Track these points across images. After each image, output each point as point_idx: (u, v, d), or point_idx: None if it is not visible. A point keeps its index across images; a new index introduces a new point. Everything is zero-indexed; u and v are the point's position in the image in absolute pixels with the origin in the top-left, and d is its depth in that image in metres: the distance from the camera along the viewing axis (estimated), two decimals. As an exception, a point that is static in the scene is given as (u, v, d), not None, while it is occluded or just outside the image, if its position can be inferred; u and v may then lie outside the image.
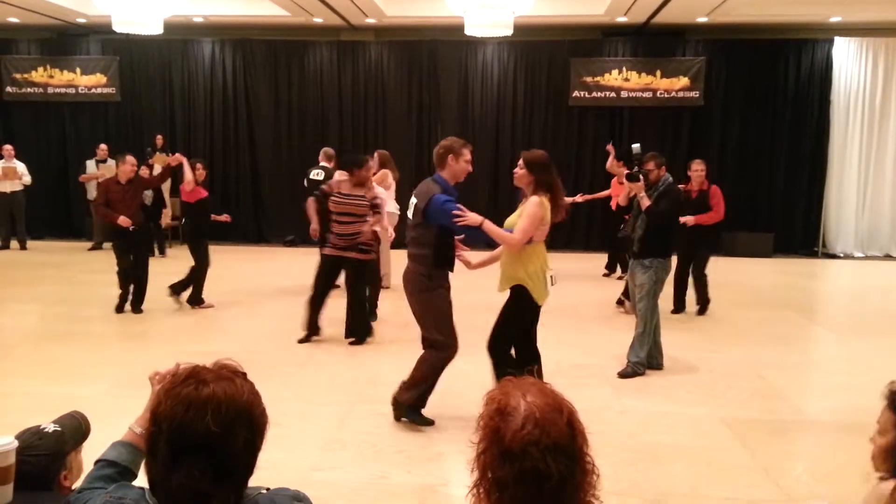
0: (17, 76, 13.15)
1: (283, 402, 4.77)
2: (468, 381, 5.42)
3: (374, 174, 7.78)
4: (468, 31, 9.53)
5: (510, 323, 4.47)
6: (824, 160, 12.32)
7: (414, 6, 11.66)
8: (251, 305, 7.89)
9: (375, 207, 6.40)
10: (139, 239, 7.44)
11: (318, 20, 12.16)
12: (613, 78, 12.46)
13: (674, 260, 5.68)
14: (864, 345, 6.78)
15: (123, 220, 7.10)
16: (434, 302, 4.43)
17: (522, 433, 1.27)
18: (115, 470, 1.65)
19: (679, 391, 5.25)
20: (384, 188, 7.80)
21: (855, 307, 7.68)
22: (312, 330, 6.44)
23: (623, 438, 4.28)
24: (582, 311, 7.79)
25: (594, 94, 12.53)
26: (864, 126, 12.36)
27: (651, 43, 12.47)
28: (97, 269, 9.41)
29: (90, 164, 11.95)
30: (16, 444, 1.77)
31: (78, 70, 13.12)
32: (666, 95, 12.42)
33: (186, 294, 7.60)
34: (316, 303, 6.45)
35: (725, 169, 12.54)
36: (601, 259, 10.47)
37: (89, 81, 13.13)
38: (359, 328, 6.44)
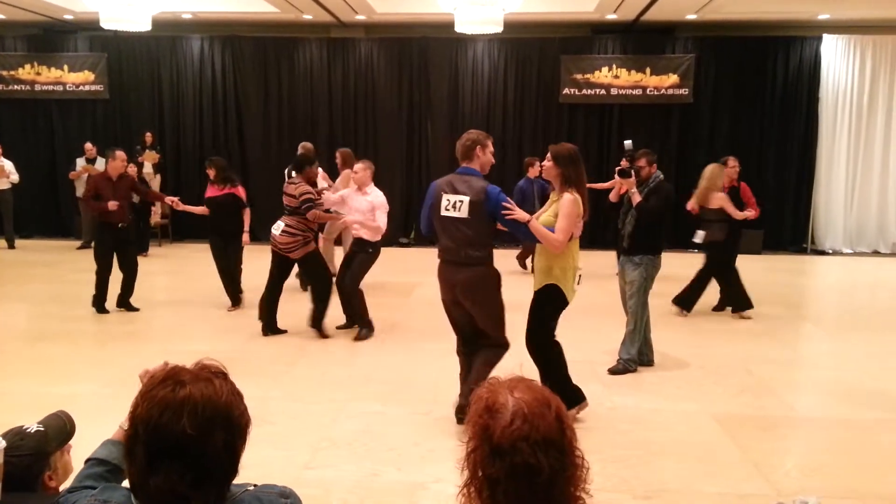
0: (4, 73, 13.03)
1: (274, 400, 4.77)
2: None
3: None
4: (458, 28, 9.52)
5: (544, 321, 4.49)
6: (813, 157, 12.39)
7: (404, 3, 11.63)
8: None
9: (305, 204, 6.40)
10: (125, 237, 7.38)
11: (307, 17, 12.12)
12: (603, 75, 12.48)
13: (664, 257, 5.61)
14: (852, 340, 6.83)
15: (112, 204, 7.07)
16: (500, 301, 4.40)
17: (511, 429, 1.27)
18: (105, 468, 1.64)
19: (669, 387, 5.27)
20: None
21: (844, 303, 7.73)
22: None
23: (614, 435, 4.30)
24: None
25: (584, 91, 12.55)
26: (851, 123, 12.44)
27: (641, 40, 12.50)
28: (86, 267, 9.31)
29: (80, 162, 11.87)
30: (3, 444, 1.75)
31: (65, 67, 13.01)
32: (656, 93, 12.45)
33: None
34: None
35: (715, 166, 12.60)
36: (595, 256, 10.48)
37: (77, 79, 13.03)
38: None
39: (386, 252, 5.35)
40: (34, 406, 3.74)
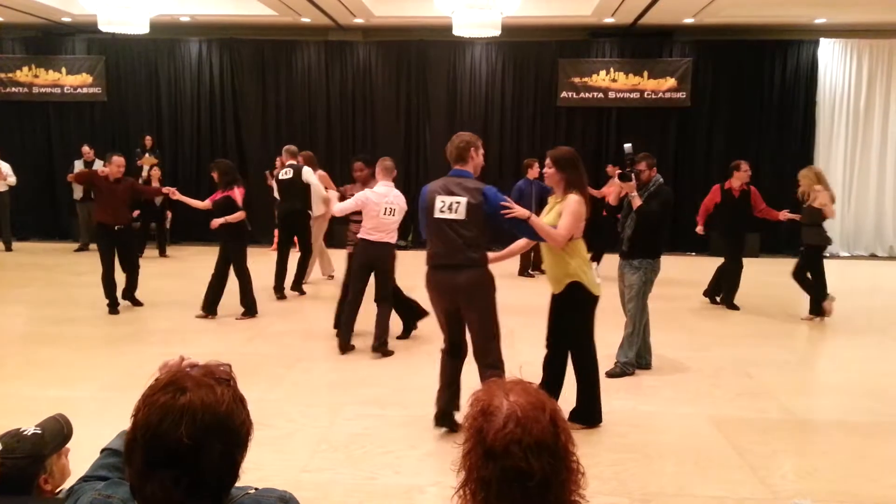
0: (2, 76, 13.04)
1: (271, 403, 4.76)
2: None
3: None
4: (456, 32, 9.54)
5: (577, 322, 4.41)
6: (810, 161, 12.38)
7: (402, 6, 11.66)
8: (239, 306, 7.85)
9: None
10: (124, 238, 7.38)
11: (305, 20, 12.13)
12: (601, 79, 12.52)
13: (663, 260, 5.59)
14: (849, 343, 6.84)
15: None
16: (495, 307, 4.26)
17: (504, 432, 1.28)
18: (119, 459, 1.63)
19: (667, 390, 5.28)
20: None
21: (840, 306, 7.74)
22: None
23: (611, 438, 4.30)
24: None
25: (582, 94, 12.58)
26: (848, 126, 12.49)
27: (638, 44, 12.54)
28: (84, 270, 9.33)
29: (78, 165, 11.86)
30: (-1, 445, 1.76)
31: (63, 69, 13.03)
32: (653, 96, 12.49)
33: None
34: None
35: (711, 169, 12.62)
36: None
37: (75, 81, 13.04)
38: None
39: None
40: (31, 409, 3.74)
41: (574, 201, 4.25)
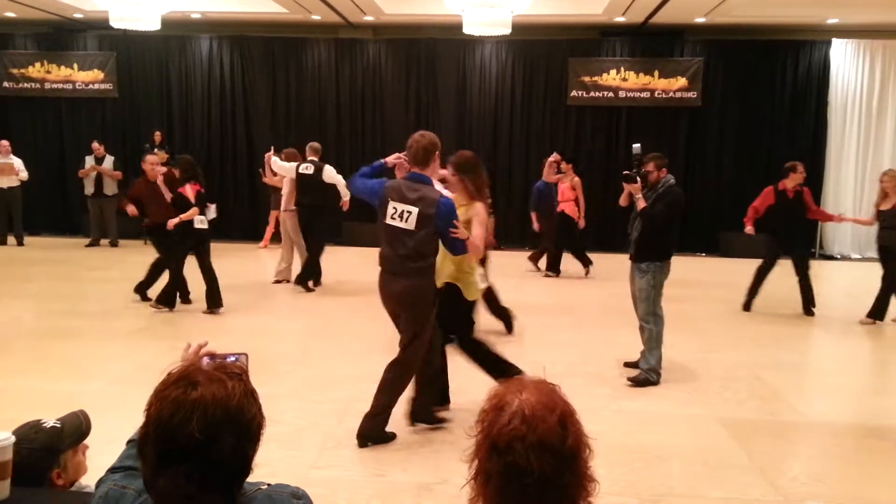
0: (14, 71, 13.11)
1: (280, 399, 4.77)
2: (466, 379, 5.43)
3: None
4: (466, 30, 9.53)
5: (450, 318, 4.48)
6: (822, 161, 12.36)
7: (412, 4, 11.65)
8: (248, 302, 7.88)
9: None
10: (174, 239, 7.32)
11: (316, 17, 12.15)
12: (611, 78, 12.48)
13: (674, 262, 5.42)
14: (861, 346, 6.80)
15: (131, 210, 7.44)
16: (430, 318, 4.15)
17: (508, 428, 1.28)
18: None
19: (676, 391, 5.25)
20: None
21: (852, 308, 7.69)
22: None
23: (619, 438, 4.29)
24: (579, 311, 7.81)
25: (592, 93, 12.54)
26: (860, 127, 12.40)
27: (649, 43, 12.49)
28: (94, 265, 9.40)
29: (88, 160, 11.93)
30: (13, 439, 1.77)
31: (75, 65, 13.09)
32: (664, 96, 12.44)
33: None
34: None
35: (722, 169, 12.59)
36: (604, 259, 10.46)
37: (86, 77, 13.10)
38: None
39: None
40: (41, 403, 3.76)
41: (481, 209, 4.30)
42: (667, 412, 4.84)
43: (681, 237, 10.87)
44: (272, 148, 9.08)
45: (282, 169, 8.65)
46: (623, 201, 5.63)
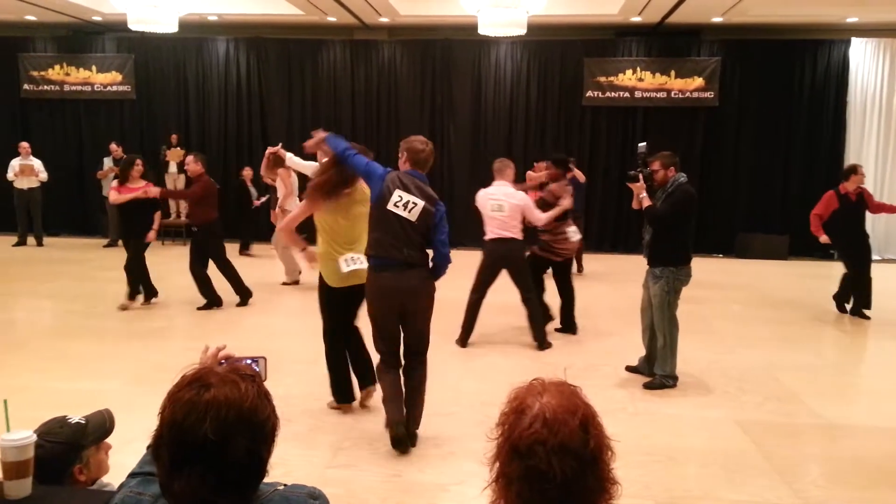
0: (35, 74, 13.26)
1: (295, 399, 4.79)
2: (483, 381, 5.44)
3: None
4: (482, 31, 9.52)
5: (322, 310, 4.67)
6: (840, 162, 12.19)
7: (427, 5, 11.66)
8: (263, 302, 7.92)
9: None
10: (198, 237, 7.57)
11: (331, 19, 12.18)
12: (627, 78, 12.42)
13: (693, 266, 5.26)
14: (880, 348, 6.72)
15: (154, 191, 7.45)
16: (431, 312, 4.26)
17: (529, 431, 1.27)
18: None
19: (693, 393, 5.22)
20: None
21: (872, 310, 7.61)
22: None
23: (636, 440, 4.26)
24: (593, 312, 7.77)
25: (608, 94, 12.49)
26: (880, 127, 12.26)
27: (665, 43, 12.42)
28: (112, 265, 9.44)
29: (107, 162, 12.04)
30: (34, 438, 1.79)
31: (94, 68, 13.22)
32: (680, 96, 12.36)
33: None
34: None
35: (739, 170, 12.49)
36: (619, 260, 10.42)
37: (105, 79, 13.23)
38: None
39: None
40: (61, 402, 3.80)
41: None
42: (683, 414, 4.81)
43: (697, 238, 10.86)
44: (280, 144, 9.09)
45: (301, 166, 8.67)
46: (634, 204, 5.39)
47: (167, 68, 13.20)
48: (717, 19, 11.50)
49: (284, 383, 5.11)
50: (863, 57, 12.16)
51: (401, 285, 4.02)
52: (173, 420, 1.27)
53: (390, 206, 4.01)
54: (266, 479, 1.39)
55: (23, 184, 11.71)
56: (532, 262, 6.65)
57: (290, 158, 8.74)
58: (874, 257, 12.05)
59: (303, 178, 9.08)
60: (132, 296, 7.45)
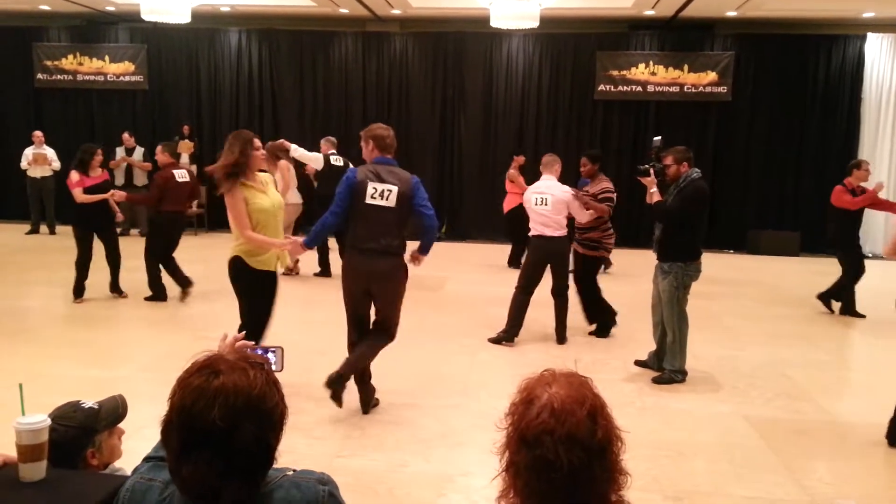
0: (48, 63, 13.33)
1: (304, 388, 4.81)
2: (491, 373, 5.45)
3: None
4: (494, 23, 9.50)
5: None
6: (853, 158, 12.11)
7: (440, -3, 11.64)
8: (280, 291, 7.93)
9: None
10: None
11: (343, 11, 12.17)
12: (640, 72, 12.35)
13: (704, 261, 5.25)
14: (890, 346, 6.68)
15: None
16: (403, 293, 4.52)
17: (537, 421, 1.28)
18: None
19: (702, 388, 5.21)
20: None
21: (882, 307, 7.54)
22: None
23: (644, 434, 4.26)
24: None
25: (620, 87, 12.43)
26: (895, 124, 12.14)
27: (679, 37, 12.34)
28: (124, 254, 9.51)
29: (119, 152, 12.11)
30: (48, 422, 1.81)
31: (107, 58, 13.28)
32: (693, 90, 12.29)
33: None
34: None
35: (752, 166, 12.42)
36: (629, 255, 10.39)
37: (118, 69, 13.28)
38: None
39: (414, 245, 5.26)
40: (74, 388, 3.83)
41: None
42: (693, 409, 4.81)
43: (708, 234, 10.81)
44: (282, 140, 9.12)
45: (308, 159, 8.70)
46: (648, 199, 5.36)
47: (179, 59, 13.23)
48: (732, 13, 11.42)
49: (293, 373, 5.12)
50: (878, 53, 12.05)
51: (371, 269, 4.32)
52: (182, 405, 1.29)
53: (368, 200, 4.29)
54: (275, 466, 1.40)
55: (36, 172, 11.79)
56: (584, 264, 6.55)
57: (295, 150, 8.77)
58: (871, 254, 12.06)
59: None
60: (184, 286, 7.47)
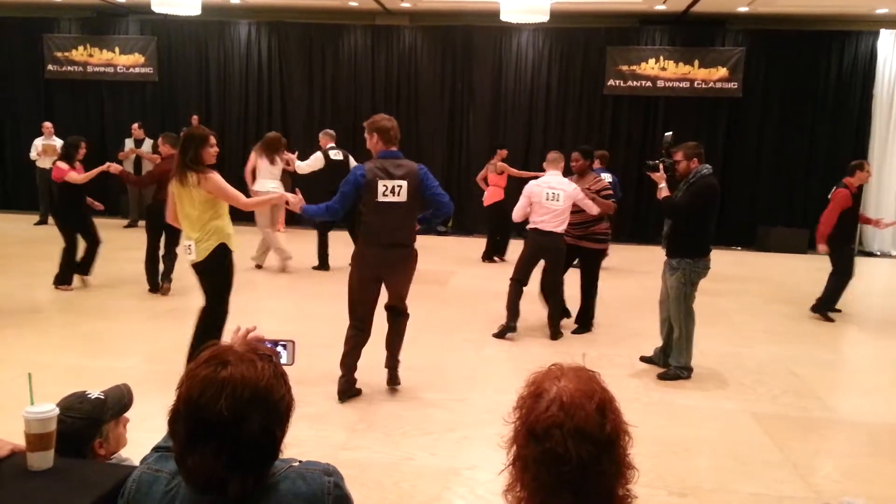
0: (59, 55, 13.38)
1: (311, 380, 4.82)
2: (496, 368, 5.46)
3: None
4: (504, 17, 9.47)
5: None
6: (864, 155, 12.03)
7: (450, -9, 11.62)
8: (281, 285, 7.97)
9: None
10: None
11: (353, 4, 12.17)
12: (650, 67, 12.30)
13: (712, 258, 5.21)
14: (899, 344, 6.65)
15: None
16: (411, 279, 4.71)
17: (546, 415, 1.28)
18: None
19: (708, 385, 5.20)
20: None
21: (889, 306, 7.52)
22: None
23: (650, 430, 4.25)
24: (611, 302, 7.75)
25: (630, 82, 12.38)
26: (907, 121, 12.07)
27: (689, 32, 12.27)
28: (132, 245, 9.55)
29: (128, 143, 12.14)
30: (56, 411, 1.82)
31: (117, 49, 13.32)
32: (703, 86, 12.23)
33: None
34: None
35: (762, 162, 12.36)
36: (637, 251, 10.36)
37: (127, 61, 13.32)
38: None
39: (422, 240, 5.26)
40: (81, 379, 3.86)
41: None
42: (699, 405, 4.80)
43: (717, 230, 10.76)
44: (296, 152, 9.15)
45: (311, 167, 8.75)
46: (658, 195, 5.32)
47: (189, 51, 13.26)
48: (743, 9, 11.35)
49: (300, 365, 5.10)
50: (891, 49, 11.96)
51: (384, 260, 4.47)
52: (189, 396, 1.29)
53: (380, 199, 4.37)
54: (281, 458, 1.41)
55: (45, 163, 11.81)
56: (594, 258, 6.59)
57: (299, 166, 8.76)
58: (894, 252, 12.00)
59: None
60: (166, 277, 7.51)
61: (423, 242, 6.86)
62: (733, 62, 12.09)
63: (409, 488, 3.52)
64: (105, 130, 13.49)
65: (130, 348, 5.62)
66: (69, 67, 13.41)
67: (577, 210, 6.19)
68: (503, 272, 6.18)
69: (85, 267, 7.63)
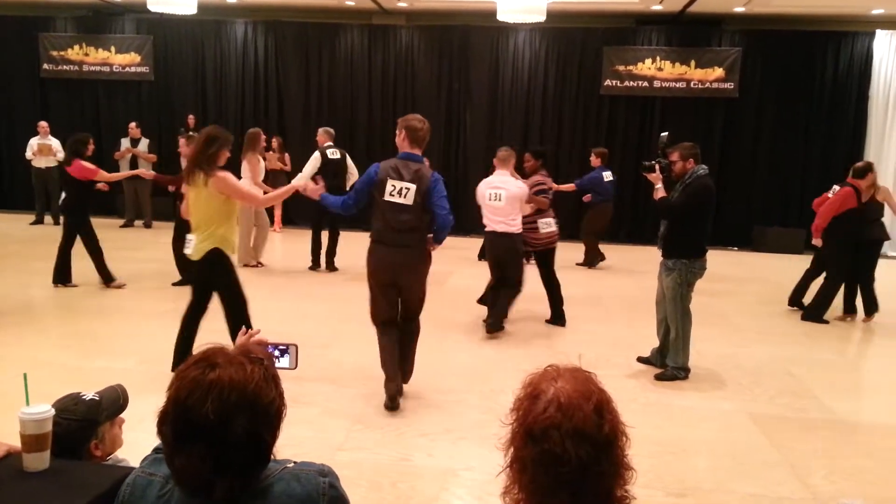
0: (54, 53, 13.34)
1: (308, 381, 4.81)
2: (493, 369, 5.45)
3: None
4: (500, 17, 9.46)
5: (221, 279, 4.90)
6: (860, 157, 12.04)
7: (447, -10, 11.61)
8: (278, 286, 7.96)
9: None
10: None
11: (350, 3, 12.16)
12: (647, 67, 12.31)
13: (709, 258, 5.23)
14: (894, 346, 6.66)
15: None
16: (425, 281, 4.64)
17: (544, 416, 1.28)
18: None
19: (705, 386, 5.20)
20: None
21: (887, 306, 7.53)
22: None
23: (647, 431, 4.25)
24: (608, 303, 7.76)
25: (626, 83, 12.39)
26: (903, 122, 12.09)
27: (686, 32, 12.29)
28: (128, 245, 9.55)
29: (124, 142, 12.11)
30: (52, 412, 1.81)
31: (112, 48, 13.29)
32: (700, 86, 12.24)
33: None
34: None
35: (758, 163, 12.38)
36: (635, 251, 10.37)
37: (123, 60, 13.29)
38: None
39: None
40: (77, 379, 3.84)
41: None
42: (696, 406, 4.80)
43: (713, 231, 10.76)
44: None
45: (310, 171, 8.72)
46: (654, 195, 5.31)
47: (185, 50, 13.23)
48: (739, 9, 11.37)
49: (299, 366, 5.13)
50: (887, 50, 11.99)
51: (393, 260, 4.41)
52: (177, 397, 1.29)
53: (387, 197, 4.37)
54: (277, 458, 1.40)
55: (41, 163, 11.81)
56: (545, 256, 6.65)
57: (303, 177, 8.73)
58: (889, 253, 12.01)
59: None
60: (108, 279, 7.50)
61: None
62: (730, 62, 12.11)
63: (407, 489, 3.51)
64: (101, 130, 13.42)
65: (126, 349, 5.59)
66: (65, 66, 13.37)
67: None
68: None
69: (105, 276, 7.61)
